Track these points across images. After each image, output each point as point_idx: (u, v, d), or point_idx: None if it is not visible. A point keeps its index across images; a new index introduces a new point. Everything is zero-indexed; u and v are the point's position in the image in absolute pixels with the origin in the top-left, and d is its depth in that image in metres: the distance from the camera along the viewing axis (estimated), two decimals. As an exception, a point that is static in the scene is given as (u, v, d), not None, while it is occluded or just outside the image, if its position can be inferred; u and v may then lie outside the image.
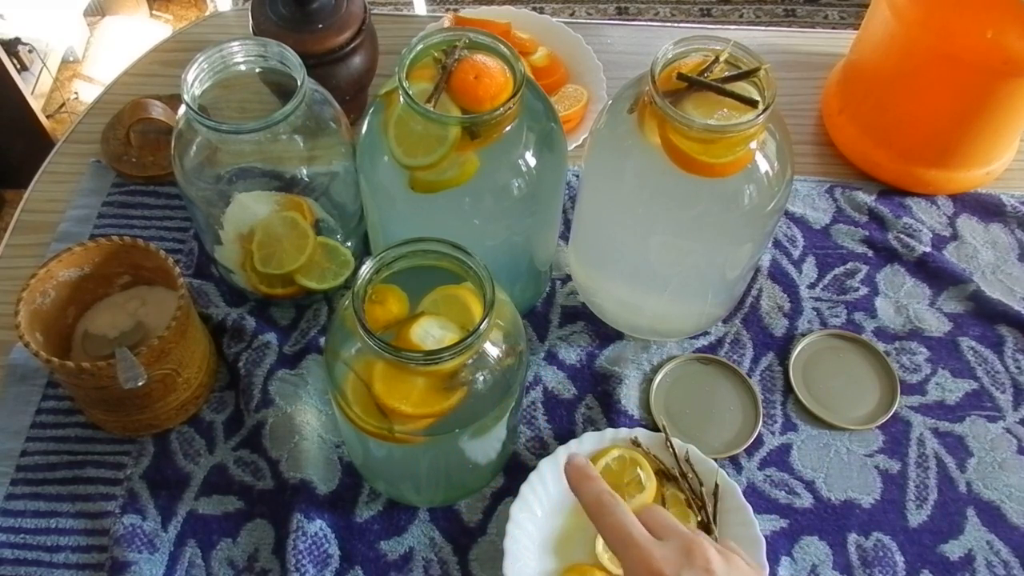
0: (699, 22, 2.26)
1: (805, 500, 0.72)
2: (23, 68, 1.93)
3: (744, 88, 0.62)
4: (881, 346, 0.79)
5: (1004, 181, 0.90)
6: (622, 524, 0.50)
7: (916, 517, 0.71)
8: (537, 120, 0.65)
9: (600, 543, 0.67)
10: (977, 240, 0.86)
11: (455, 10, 0.97)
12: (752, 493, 0.72)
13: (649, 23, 1.90)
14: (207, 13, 1.94)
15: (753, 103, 0.61)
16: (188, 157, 0.69)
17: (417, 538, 0.69)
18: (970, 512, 0.72)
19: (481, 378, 0.58)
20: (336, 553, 0.68)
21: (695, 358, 0.78)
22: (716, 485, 0.69)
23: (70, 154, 0.91)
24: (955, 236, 0.87)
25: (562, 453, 0.70)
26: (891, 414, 0.76)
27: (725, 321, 0.81)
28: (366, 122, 0.67)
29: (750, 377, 0.77)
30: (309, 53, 0.78)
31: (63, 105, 2.04)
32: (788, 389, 0.77)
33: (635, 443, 0.71)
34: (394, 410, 0.57)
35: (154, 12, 2.30)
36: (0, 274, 0.83)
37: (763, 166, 0.64)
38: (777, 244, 0.85)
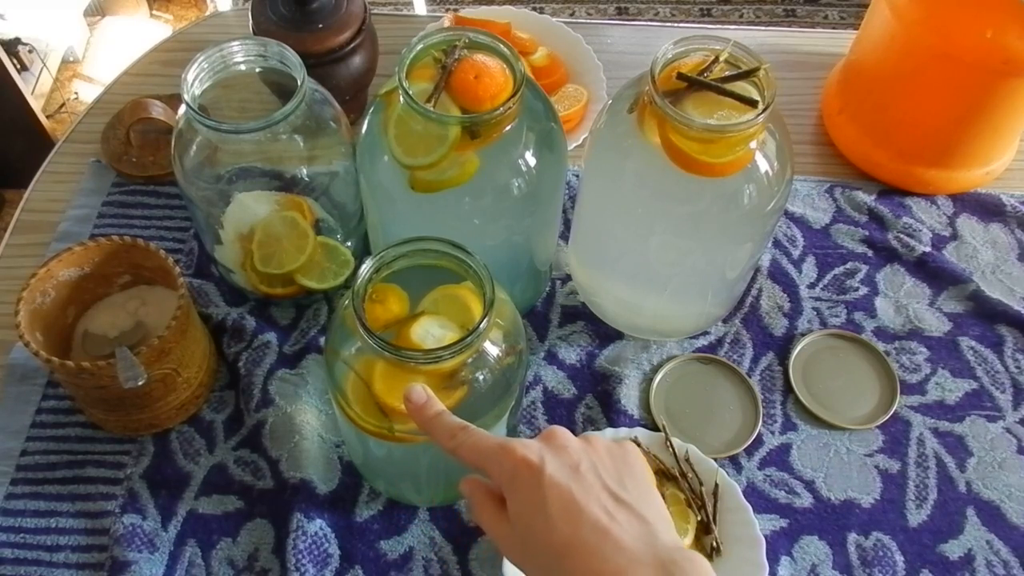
0: (699, 22, 2.26)
1: (805, 500, 0.72)
2: (23, 68, 1.93)
3: (744, 88, 0.62)
4: (881, 346, 0.79)
5: (1004, 181, 0.90)
6: (479, 440, 0.50)
7: (916, 517, 0.71)
8: (537, 120, 0.65)
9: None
10: (977, 240, 0.86)
11: (455, 10, 0.97)
12: (752, 493, 0.72)
13: (649, 23, 1.90)
14: (207, 13, 1.94)
15: (753, 103, 0.61)
16: (188, 157, 0.69)
17: (417, 538, 0.69)
18: (970, 512, 0.72)
19: (481, 377, 0.58)
20: (336, 553, 0.68)
21: (695, 358, 0.78)
22: (716, 485, 0.69)
23: (70, 154, 0.91)
24: (955, 236, 0.87)
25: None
26: (891, 414, 0.76)
27: (725, 321, 0.81)
28: (366, 122, 0.67)
29: (750, 377, 0.77)
30: (309, 53, 0.78)
31: (63, 105, 2.04)
32: (788, 389, 0.77)
33: (635, 443, 0.71)
34: (394, 409, 0.57)
35: (154, 12, 2.30)
36: (0, 274, 0.83)
37: (763, 166, 0.64)
38: (777, 244, 0.85)
